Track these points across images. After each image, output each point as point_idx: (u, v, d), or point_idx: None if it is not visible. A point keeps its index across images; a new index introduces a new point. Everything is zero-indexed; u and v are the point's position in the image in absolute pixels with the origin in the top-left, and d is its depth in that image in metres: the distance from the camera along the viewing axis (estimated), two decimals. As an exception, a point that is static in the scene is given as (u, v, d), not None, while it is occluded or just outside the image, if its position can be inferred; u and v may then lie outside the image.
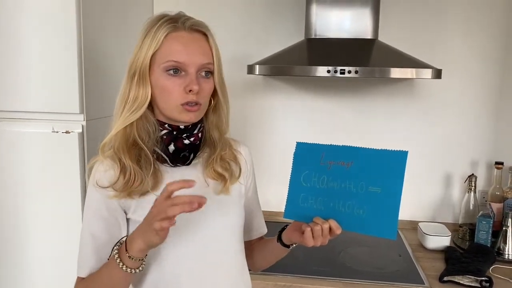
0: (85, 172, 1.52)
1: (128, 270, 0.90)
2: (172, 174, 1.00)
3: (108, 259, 0.97)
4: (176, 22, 0.98)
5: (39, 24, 1.46)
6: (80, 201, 1.51)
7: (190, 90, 0.96)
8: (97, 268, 1.00)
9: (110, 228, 1.00)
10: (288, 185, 1.01)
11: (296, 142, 1.01)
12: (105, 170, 1.00)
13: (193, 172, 1.03)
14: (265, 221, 1.23)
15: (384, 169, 0.94)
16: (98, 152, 1.01)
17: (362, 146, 0.96)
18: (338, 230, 0.97)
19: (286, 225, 1.10)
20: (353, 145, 0.96)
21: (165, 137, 1.01)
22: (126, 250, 0.90)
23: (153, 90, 0.98)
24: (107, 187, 0.98)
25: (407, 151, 0.93)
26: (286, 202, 1.01)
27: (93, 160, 1.02)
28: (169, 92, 0.97)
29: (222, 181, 1.05)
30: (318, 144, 0.99)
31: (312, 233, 0.98)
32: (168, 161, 1.00)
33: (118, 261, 0.90)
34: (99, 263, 0.99)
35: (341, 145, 0.97)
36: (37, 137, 1.52)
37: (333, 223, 0.97)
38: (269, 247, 1.15)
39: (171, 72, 0.97)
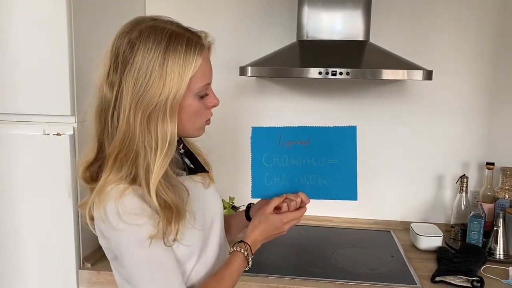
0: (77, 181, 1.50)
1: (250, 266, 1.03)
2: None
3: (231, 260, 1.01)
4: (200, 40, 0.93)
5: (30, 25, 1.46)
6: (71, 203, 1.50)
7: (213, 106, 0.98)
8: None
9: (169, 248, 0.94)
10: (251, 167, 1.09)
11: (252, 127, 1.09)
12: (142, 198, 0.90)
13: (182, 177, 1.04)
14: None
15: (339, 143, 1.08)
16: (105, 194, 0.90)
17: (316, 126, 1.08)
18: (307, 201, 1.09)
19: (250, 204, 1.21)
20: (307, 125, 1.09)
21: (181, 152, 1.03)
22: (252, 253, 1.03)
23: (178, 116, 0.91)
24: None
25: (356, 126, 1.08)
26: (252, 183, 1.10)
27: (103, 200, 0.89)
28: (200, 114, 0.96)
29: (206, 175, 1.10)
30: (274, 127, 1.08)
31: (288, 207, 1.07)
32: (186, 174, 1.03)
33: (250, 259, 1.02)
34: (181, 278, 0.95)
35: (295, 126, 1.08)
36: (28, 139, 1.51)
37: (303, 195, 1.08)
38: (234, 222, 1.25)
39: (202, 95, 0.95)
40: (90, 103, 0.96)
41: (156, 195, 0.89)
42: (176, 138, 0.92)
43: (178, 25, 0.94)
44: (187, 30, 0.93)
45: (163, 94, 0.87)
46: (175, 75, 0.87)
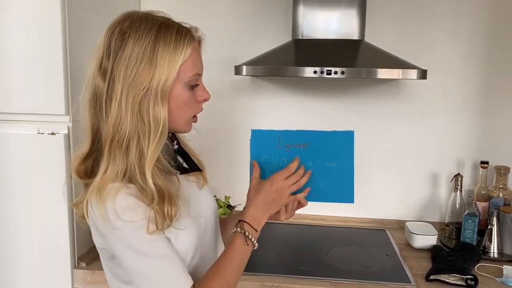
0: (72, 180, 1.49)
1: (257, 245, 1.00)
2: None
3: (230, 248, 0.98)
4: (190, 32, 0.95)
5: (24, 24, 1.45)
6: (65, 203, 1.49)
7: (203, 100, 0.99)
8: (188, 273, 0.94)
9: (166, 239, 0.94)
10: (249, 169, 1.11)
11: (251, 130, 1.10)
12: (135, 196, 0.90)
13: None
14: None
15: (336, 146, 1.10)
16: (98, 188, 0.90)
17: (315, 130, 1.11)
18: (305, 203, 1.10)
19: None
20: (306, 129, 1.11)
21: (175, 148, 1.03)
22: (256, 230, 1.00)
23: (168, 105, 0.93)
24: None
25: (353, 131, 1.10)
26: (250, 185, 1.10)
27: (98, 196, 0.89)
28: (189, 105, 0.97)
29: (200, 175, 1.10)
30: (273, 130, 1.10)
31: (286, 209, 1.08)
32: (182, 171, 1.02)
33: (254, 241, 0.99)
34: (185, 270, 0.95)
35: (294, 130, 1.10)
36: (22, 139, 1.50)
37: (300, 197, 1.08)
38: (231, 224, 1.22)
39: (192, 84, 0.96)
40: (83, 95, 0.96)
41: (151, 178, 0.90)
42: (167, 124, 0.92)
43: (169, 19, 0.96)
44: (177, 23, 0.96)
45: (153, 79, 0.89)
46: (165, 62, 0.89)
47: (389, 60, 1.68)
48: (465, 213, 1.75)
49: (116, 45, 0.91)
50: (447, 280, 1.48)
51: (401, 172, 2.04)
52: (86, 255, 1.59)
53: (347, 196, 1.11)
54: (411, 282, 1.49)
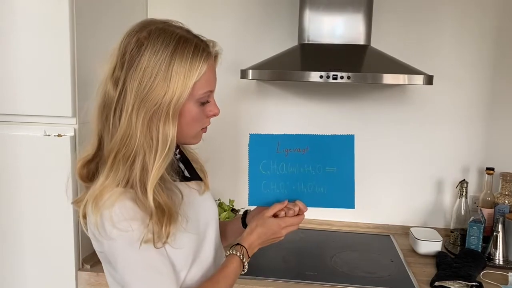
0: (77, 182, 1.49)
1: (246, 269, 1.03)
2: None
3: (227, 264, 1.01)
4: (207, 47, 0.94)
5: (32, 26, 1.46)
6: (71, 205, 1.49)
7: (213, 115, 0.99)
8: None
9: (163, 252, 0.93)
10: (248, 175, 1.09)
11: (249, 134, 1.09)
12: (134, 201, 0.89)
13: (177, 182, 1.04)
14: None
15: (337, 151, 1.08)
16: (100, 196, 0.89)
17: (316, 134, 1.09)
18: (305, 209, 1.09)
19: (247, 211, 1.20)
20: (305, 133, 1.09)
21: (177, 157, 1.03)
22: (249, 256, 1.03)
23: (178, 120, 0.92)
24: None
25: (354, 135, 1.08)
26: (249, 190, 1.10)
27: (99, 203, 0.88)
28: (198, 120, 0.96)
29: (201, 181, 1.10)
30: (272, 135, 1.08)
31: (286, 215, 1.08)
32: (183, 180, 1.03)
33: (246, 262, 1.02)
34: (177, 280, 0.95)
35: (293, 134, 1.08)
36: (29, 140, 1.51)
37: (300, 204, 1.08)
38: (230, 229, 1.24)
39: (204, 101, 0.95)
40: (93, 99, 0.96)
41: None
42: (175, 141, 0.92)
43: (188, 31, 0.95)
44: (195, 36, 0.94)
45: (166, 96, 0.87)
46: (180, 79, 0.88)
47: (395, 65, 1.68)
48: (470, 219, 1.75)
49: (131, 55, 0.89)
50: (452, 287, 1.47)
51: (406, 177, 2.04)
52: (90, 257, 1.59)
53: (347, 201, 1.10)
54: (415, 288, 1.49)
